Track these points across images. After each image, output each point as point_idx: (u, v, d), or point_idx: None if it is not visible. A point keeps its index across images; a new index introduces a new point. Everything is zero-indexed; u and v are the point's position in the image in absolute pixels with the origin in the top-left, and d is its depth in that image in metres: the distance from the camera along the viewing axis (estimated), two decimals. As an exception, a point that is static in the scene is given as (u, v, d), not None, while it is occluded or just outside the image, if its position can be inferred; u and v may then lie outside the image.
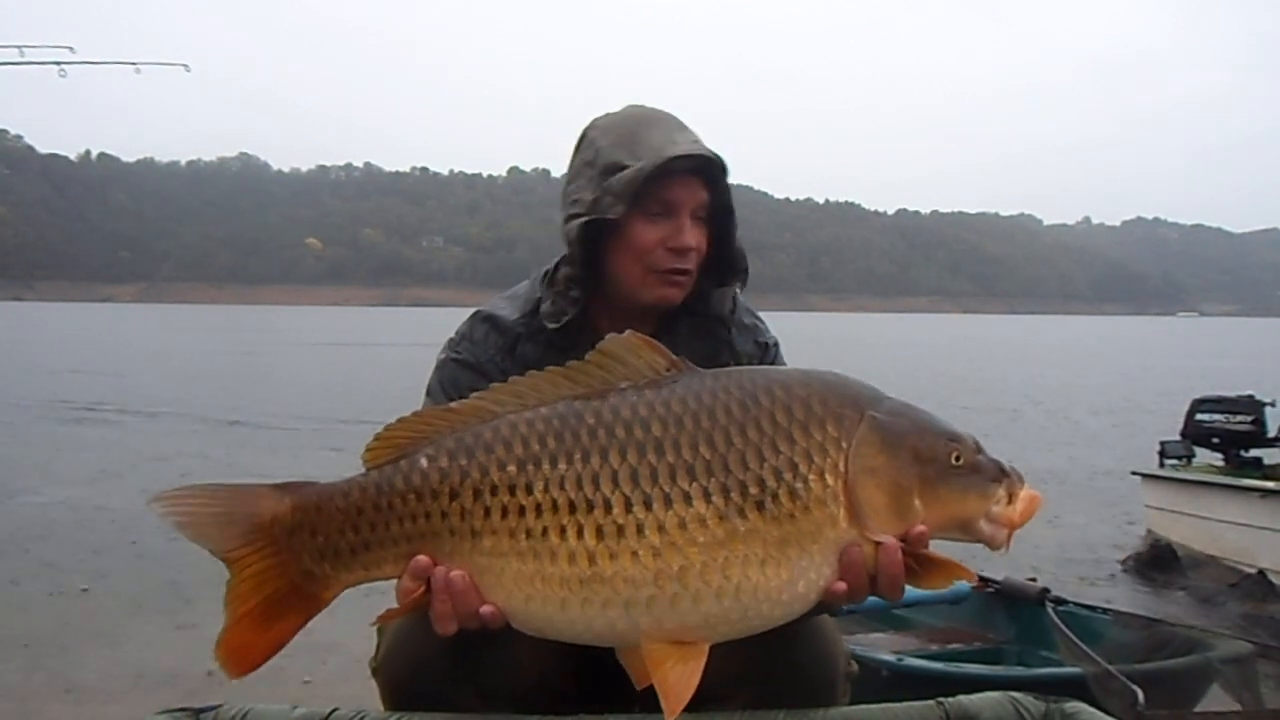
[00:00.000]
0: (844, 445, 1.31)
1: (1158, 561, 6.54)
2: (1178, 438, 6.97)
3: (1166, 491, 6.96)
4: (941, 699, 1.49)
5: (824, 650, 1.60)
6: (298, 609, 1.40)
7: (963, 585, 3.90)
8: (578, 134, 1.81)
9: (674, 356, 1.40)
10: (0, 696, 4.15)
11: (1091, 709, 1.46)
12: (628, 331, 1.41)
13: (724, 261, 1.79)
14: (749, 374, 1.43)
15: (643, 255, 1.70)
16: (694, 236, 1.71)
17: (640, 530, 1.28)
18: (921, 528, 1.30)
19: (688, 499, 1.29)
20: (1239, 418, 6.59)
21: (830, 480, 1.30)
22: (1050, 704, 1.48)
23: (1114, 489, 9.54)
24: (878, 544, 1.30)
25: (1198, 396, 6.97)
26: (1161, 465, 7.05)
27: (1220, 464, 6.78)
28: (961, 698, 1.49)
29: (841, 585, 1.30)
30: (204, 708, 1.50)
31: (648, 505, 1.28)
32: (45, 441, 12.31)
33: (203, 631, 4.92)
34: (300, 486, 1.41)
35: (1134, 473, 7.52)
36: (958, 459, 1.33)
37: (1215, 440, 6.78)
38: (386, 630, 1.63)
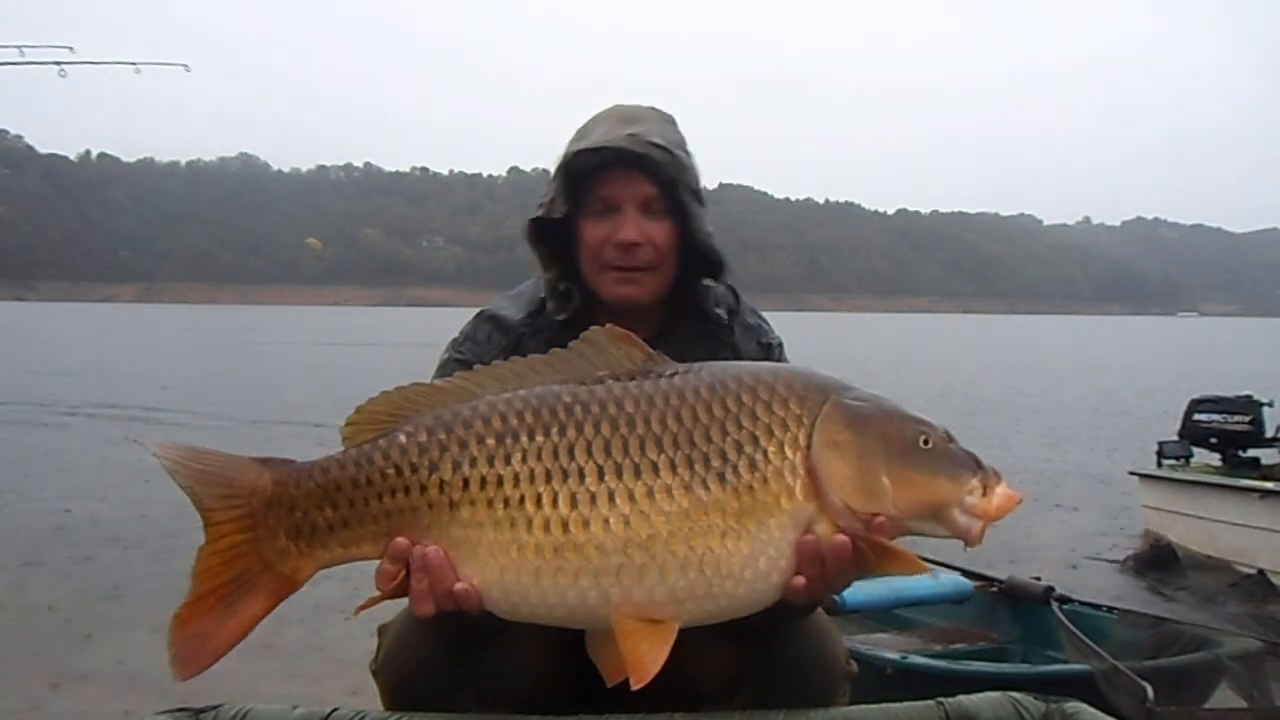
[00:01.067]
0: (806, 422, 1.33)
1: (1158, 561, 6.56)
2: (1176, 438, 6.97)
3: (1164, 491, 6.97)
4: (941, 699, 1.49)
5: (823, 650, 1.60)
6: (267, 590, 1.38)
7: (966, 585, 3.90)
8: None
9: (651, 350, 1.43)
10: (0, 696, 4.14)
11: (1092, 709, 1.45)
12: (609, 325, 1.44)
13: (694, 254, 1.75)
14: (722, 364, 1.45)
15: (595, 254, 1.71)
16: (638, 231, 1.68)
17: (611, 498, 1.30)
18: (883, 516, 1.30)
19: (655, 469, 1.31)
20: (1236, 418, 6.60)
21: (790, 454, 1.32)
22: (1050, 704, 1.48)
23: (1113, 489, 9.54)
24: (836, 527, 1.30)
25: (1195, 397, 6.97)
26: (1159, 465, 7.06)
27: (1218, 464, 6.79)
28: (961, 698, 1.49)
29: (800, 579, 1.30)
30: (204, 708, 1.50)
31: (619, 474, 1.31)
32: (44, 442, 12.32)
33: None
34: (281, 462, 1.41)
35: (1132, 473, 7.54)
36: (926, 442, 1.33)
37: (1213, 440, 6.80)
38: (386, 632, 1.64)
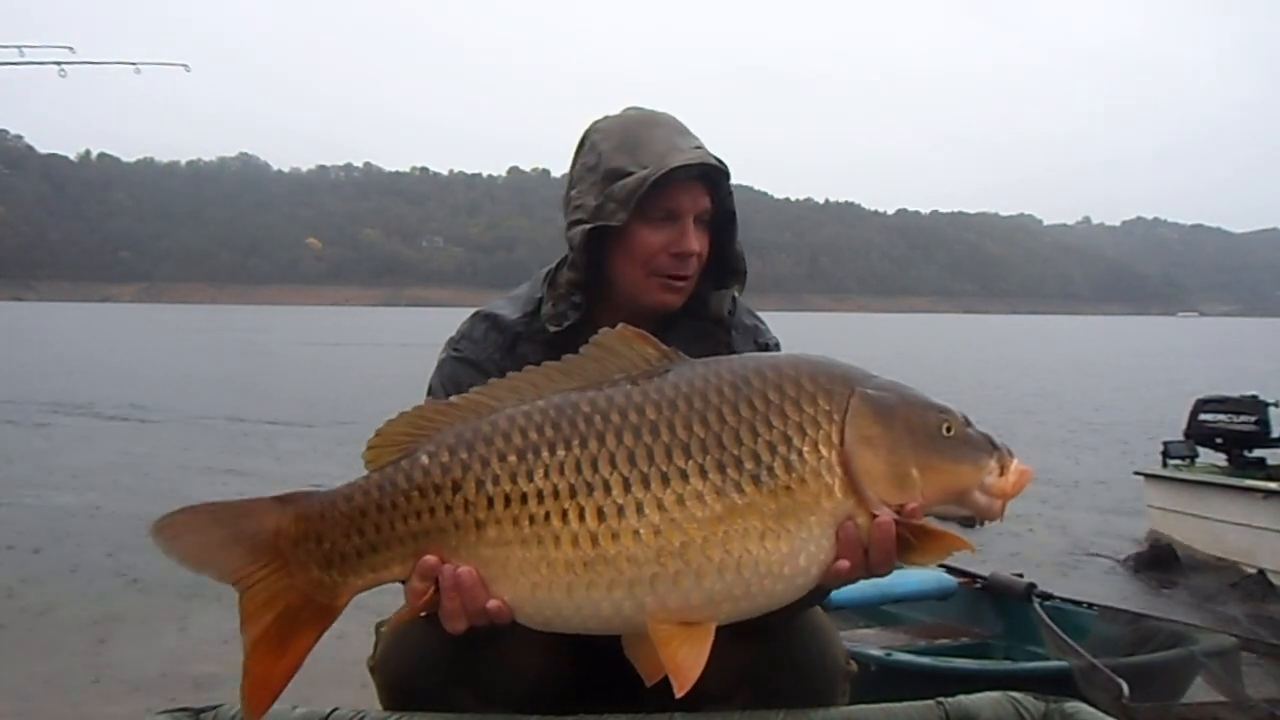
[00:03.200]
0: (836, 418, 1.34)
1: (1158, 561, 6.55)
2: (1181, 438, 6.90)
3: (1169, 492, 6.91)
4: (941, 699, 1.50)
5: (823, 650, 1.61)
6: (311, 622, 1.39)
7: (949, 581, 3.95)
8: (578, 136, 1.80)
9: (665, 347, 1.42)
10: (0, 697, 4.17)
11: (1091, 709, 1.48)
12: (620, 324, 1.43)
13: (723, 264, 1.79)
14: (740, 359, 1.45)
15: (646, 261, 1.70)
16: (697, 241, 1.71)
17: (640, 509, 1.30)
18: (915, 503, 1.33)
19: (685, 476, 1.30)
20: (1242, 418, 6.53)
21: (825, 452, 1.32)
22: (1050, 704, 1.50)
23: (1114, 489, 9.58)
24: (873, 517, 1.31)
25: (1201, 397, 6.91)
26: (1165, 465, 6.99)
27: (1224, 464, 6.72)
28: (961, 698, 1.51)
29: (844, 563, 1.32)
30: (204, 708, 1.51)
31: (646, 484, 1.30)
32: (43, 442, 12.34)
33: (202, 631, 4.96)
34: (301, 496, 1.40)
35: (1137, 473, 7.45)
36: (948, 429, 1.36)
37: (1218, 440, 6.72)
38: (384, 630, 1.64)
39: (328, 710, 1.51)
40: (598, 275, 1.75)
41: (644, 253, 1.70)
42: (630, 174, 1.67)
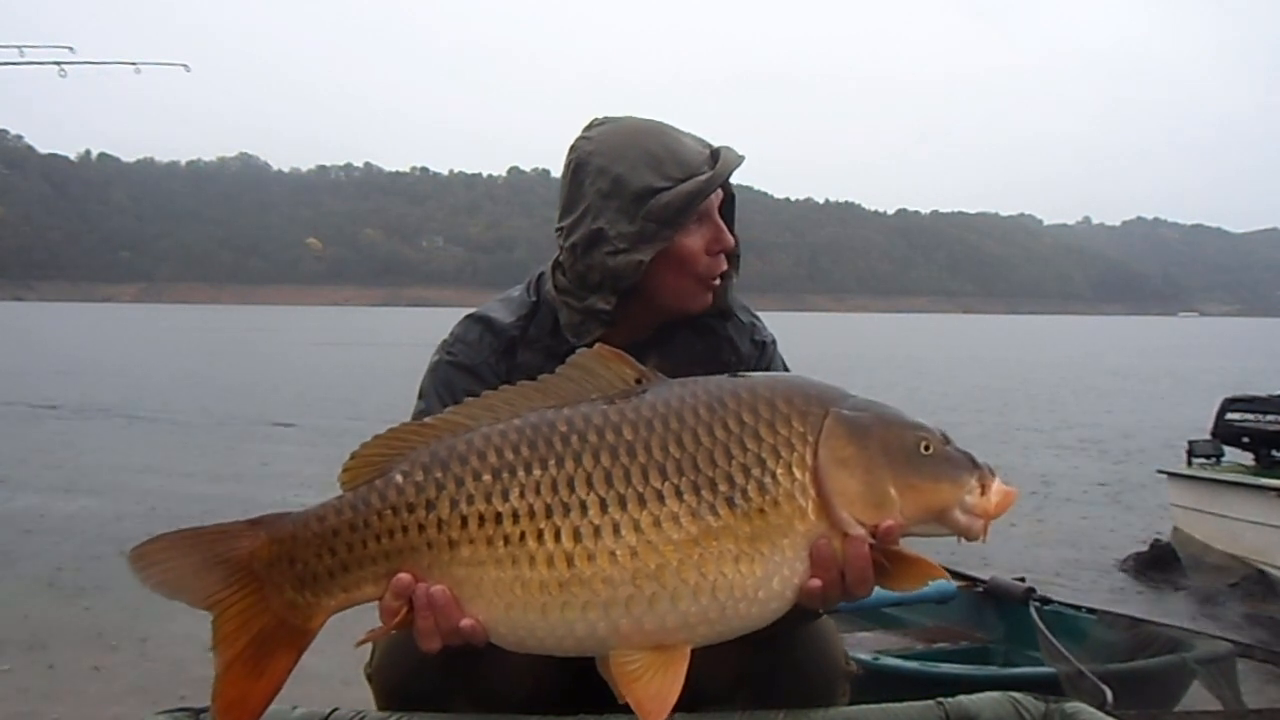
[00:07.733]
0: (810, 439, 1.32)
1: (1157, 561, 6.54)
2: (1207, 437, 6.81)
3: (1193, 491, 6.82)
4: (941, 699, 1.50)
5: (823, 650, 1.61)
6: (287, 644, 1.39)
7: (949, 585, 3.95)
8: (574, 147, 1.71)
9: (642, 368, 1.41)
10: (0, 698, 4.18)
11: (1092, 709, 1.47)
12: (597, 345, 1.42)
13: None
14: (716, 380, 1.43)
15: (692, 266, 1.68)
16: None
17: (616, 530, 1.29)
18: (891, 521, 1.30)
19: (660, 498, 1.30)
20: (1270, 417, 6.44)
21: (798, 474, 1.31)
22: (1050, 704, 1.49)
23: (1116, 489, 9.61)
24: (846, 537, 1.30)
25: (1228, 396, 6.82)
26: (1190, 465, 6.90)
27: (1250, 464, 6.63)
28: (962, 698, 1.50)
29: (816, 582, 1.30)
30: (204, 708, 1.50)
31: (622, 505, 1.30)
32: (43, 442, 12.34)
33: (203, 632, 4.95)
34: (274, 518, 1.40)
35: (1160, 471, 7.37)
36: (926, 448, 1.33)
37: (1245, 440, 6.63)
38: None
39: (327, 710, 1.50)
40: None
41: (688, 260, 1.67)
42: (663, 189, 1.63)
